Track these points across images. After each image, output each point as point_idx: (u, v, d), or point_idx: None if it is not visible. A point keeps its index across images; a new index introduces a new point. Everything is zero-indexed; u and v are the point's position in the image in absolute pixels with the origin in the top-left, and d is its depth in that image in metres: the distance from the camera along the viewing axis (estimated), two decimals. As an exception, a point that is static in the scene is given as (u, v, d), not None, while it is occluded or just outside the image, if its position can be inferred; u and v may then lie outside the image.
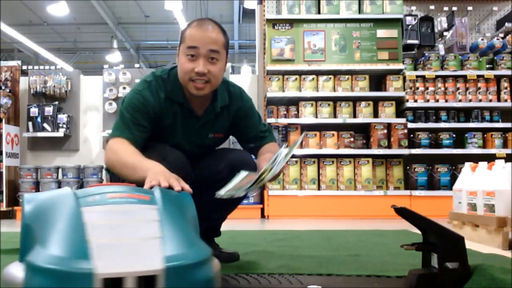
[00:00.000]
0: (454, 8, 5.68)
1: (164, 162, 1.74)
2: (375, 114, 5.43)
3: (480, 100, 5.39)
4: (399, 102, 5.51)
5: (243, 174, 1.81)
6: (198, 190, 1.94)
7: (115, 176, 1.96)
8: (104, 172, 5.65)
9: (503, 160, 2.75)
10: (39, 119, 5.85)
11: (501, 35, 5.67)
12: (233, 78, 5.90)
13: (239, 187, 1.71)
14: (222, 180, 1.93)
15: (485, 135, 5.36)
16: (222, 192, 1.69)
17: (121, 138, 1.80)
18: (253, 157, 2.09)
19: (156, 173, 1.50)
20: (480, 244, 2.68)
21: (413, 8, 5.87)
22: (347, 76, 5.42)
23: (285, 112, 5.41)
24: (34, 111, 5.85)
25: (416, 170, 5.28)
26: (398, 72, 5.47)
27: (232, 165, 1.97)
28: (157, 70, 2.00)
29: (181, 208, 1.27)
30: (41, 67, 6.22)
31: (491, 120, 5.40)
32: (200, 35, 1.82)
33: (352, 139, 5.34)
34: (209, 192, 1.96)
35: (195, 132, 1.99)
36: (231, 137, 2.18)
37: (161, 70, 1.99)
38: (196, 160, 1.99)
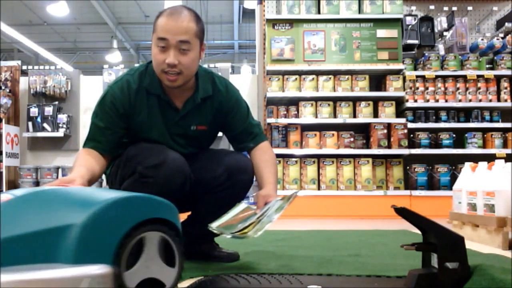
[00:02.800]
0: (454, 8, 5.68)
1: (163, 166, 1.76)
2: (375, 114, 5.43)
3: (480, 100, 5.39)
4: (399, 102, 5.51)
5: (240, 207, 1.82)
6: (196, 193, 1.95)
7: (111, 177, 1.95)
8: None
9: (503, 160, 2.75)
10: (39, 119, 5.85)
11: (501, 35, 5.67)
12: (233, 78, 5.90)
13: (231, 225, 1.73)
14: (220, 186, 1.95)
15: (485, 135, 5.36)
16: (214, 226, 1.73)
17: (86, 149, 1.85)
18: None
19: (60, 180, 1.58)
20: (480, 244, 2.68)
21: (413, 8, 5.87)
22: (347, 76, 5.42)
23: (285, 112, 5.41)
24: (34, 111, 5.85)
25: (416, 170, 5.28)
26: (398, 72, 5.47)
27: (230, 170, 1.94)
28: (138, 66, 1.97)
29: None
30: (41, 67, 6.22)
31: (491, 120, 5.40)
32: (170, 25, 1.78)
33: (352, 139, 5.34)
34: (206, 196, 1.98)
35: (176, 124, 1.95)
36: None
37: (141, 65, 1.97)
38: (192, 161, 1.95)
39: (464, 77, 5.44)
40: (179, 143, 1.98)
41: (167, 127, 1.94)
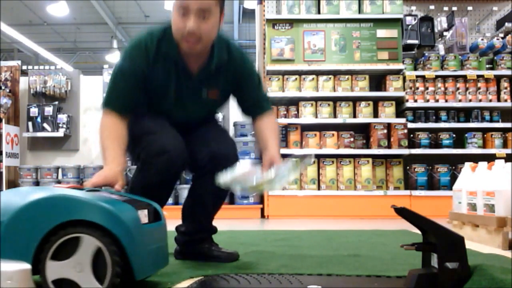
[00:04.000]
0: (454, 8, 5.67)
1: (165, 154, 1.83)
2: (375, 114, 5.43)
3: (480, 100, 5.39)
4: (399, 102, 5.51)
5: (245, 165, 1.83)
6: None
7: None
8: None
9: (503, 160, 2.74)
10: (39, 119, 5.86)
11: (501, 35, 5.67)
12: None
13: (238, 182, 1.75)
14: (201, 169, 2.00)
15: (485, 135, 5.36)
16: (221, 181, 1.75)
17: (110, 111, 1.86)
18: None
19: (98, 176, 1.65)
20: (480, 244, 2.68)
21: (413, 8, 5.87)
22: (347, 76, 5.42)
23: (285, 112, 5.41)
24: (34, 111, 5.86)
25: (416, 170, 5.28)
26: (398, 72, 5.47)
27: (213, 155, 1.96)
28: (154, 29, 1.97)
29: None
30: (41, 67, 6.23)
31: (491, 120, 5.40)
32: None
33: (352, 139, 5.34)
34: (192, 185, 2.08)
35: (189, 89, 1.97)
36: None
37: (158, 28, 1.97)
38: (187, 134, 1.99)
39: (464, 77, 5.44)
40: (189, 108, 2.01)
41: (181, 91, 1.97)
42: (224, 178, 1.77)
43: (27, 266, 1.26)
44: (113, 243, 1.31)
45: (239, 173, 1.78)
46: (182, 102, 1.99)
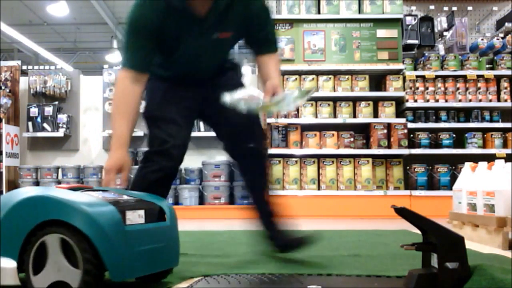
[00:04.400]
0: (454, 8, 5.68)
1: (165, 154, 1.95)
2: (375, 114, 5.43)
3: (480, 100, 5.39)
4: (399, 102, 5.51)
5: (251, 90, 1.93)
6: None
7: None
8: (104, 172, 5.65)
9: (503, 160, 2.74)
10: (39, 119, 5.86)
11: (501, 35, 5.67)
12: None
13: (244, 102, 1.84)
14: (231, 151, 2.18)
15: (485, 135, 5.36)
16: (228, 99, 1.82)
17: (126, 70, 1.90)
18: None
19: (104, 172, 1.84)
20: (480, 244, 2.68)
21: (413, 8, 5.87)
22: (347, 76, 5.42)
23: (285, 112, 5.41)
24: (34, 111, 5.85)
25: (416, 170, 5.28)
26: (398, 72, 5.47)
27: (233, 138, 2.13)
28: None
29: None
30: (41, 67, 6.23)
31: (491, 120, 5.40)
32: None
33: (352, 139, 5.34)
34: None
35: (201, 35, 1.94)
36: None
37: None
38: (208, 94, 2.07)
39: (464, 77, 5.44)
40: (203, 56, 2.02)
41: (194, 39, 1.95)
42: (231, 97, 1.83)
43: (13, 263, 1.36)
44: (84, 241, 1.32)
45: (245, 94, 1.85)
46: (196, 51, 1.98)
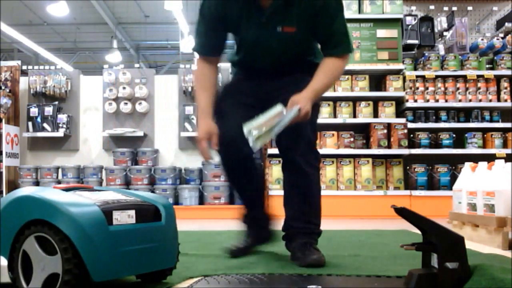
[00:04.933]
0: (454, 8, 5.67)
1: (226, 147, 2.01)
2: (375, 114, 5.43)
3: (480, 100, 5.39)
4: (399, 102, 5.51)
5: (276, 109, 1.82)
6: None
7: None
8: (104, 172, 5.66)
9: (503, 160, 2.74)
10: (39, 119, 5.86)
11: (501, 35, 5.67)
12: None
13: (260, 129, 1.78)
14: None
15: (485, 135, 5.36)
16: (247, 127, 1.79)
17: (200, 56, 2.09)
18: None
19: (198, 142, 1.97)
20: (480, 244, 2.68)
21: (413, 8, 5.87)
22: (347, 76, 5.42)
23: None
24: (34, 111, 5.85)
25: (416, 170, 5.28)
26: (398, 72, 5.47)
27: (286, 150, 2.10)
28: None
29: None
30: (41, 67, 6.23)
31: (491, 120, 5.40)
32: None
33: (352, 139, 5.34)
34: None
35: (263, 26, 1.93)
36: None
37: None
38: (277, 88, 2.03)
39: (464, 77, 5.44)
40: (266, 48, 2.00)
41: (256, 29, 1.96)
42: (251, 124, 1.80)
43: (4, 261, 1.42)
44: (66, 241, 1.34)
45: (267, 118, 1.79)
46: (257, 41, 1.99)
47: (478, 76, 5.42)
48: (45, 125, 5.85)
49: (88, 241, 1.34)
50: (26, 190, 1.48)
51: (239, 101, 2.08)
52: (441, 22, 5.69)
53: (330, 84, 1.98)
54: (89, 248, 1.34)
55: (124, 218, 1.45)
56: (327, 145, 5.30)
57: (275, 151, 5.25)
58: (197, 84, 2.14)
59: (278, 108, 1.82)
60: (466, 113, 5.45)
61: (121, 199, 1.54)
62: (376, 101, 5.44)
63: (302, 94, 1.84)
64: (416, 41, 5.56)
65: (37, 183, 5.62)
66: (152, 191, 5.32)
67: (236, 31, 2.03)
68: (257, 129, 1.76)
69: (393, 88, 5.42)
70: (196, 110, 5.79)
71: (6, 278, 1.42)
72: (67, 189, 1.54)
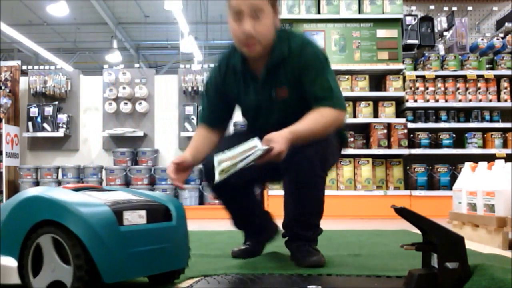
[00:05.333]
0: (454, 8, 5.67)
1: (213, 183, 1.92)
2: (375, 114, 5.43)
3: (480, 100, 5.39)
4: (399, 102, 5.51)
5: (251, 143, 1.66)
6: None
7: None
8: (104, 172, 5.66)
9: (503, 160, 2.74)
10: (39, 119, 5.85)
11: (501, 35, 5.67)
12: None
13: (227, 162, 1.65)
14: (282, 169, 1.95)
15: (485, 135, 5.36)
16: (216, 158, 1.70)
17: (200, 124, 2.13)
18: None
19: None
20: (480, 244, 2.68)
21: (413, 8, 5.87)
22: (347, 76, 5.42)
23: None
24: (34, 111, 5.85)
25: (416, 170, 5.28)
26: (398, 72, 5.47)
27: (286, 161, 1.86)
28: (228, 48, 2.09)
29: None
30: (41, 67, 6.22)
31: (491, 120, 5.40)
32: None
33: (352, 139, 5.34)
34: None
35: (259, 94, 1.98)
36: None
37: (229, 46, 2.07)
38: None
39: (464, 77, 5.44)
40: (266, 113, 2.01)
41: (254, 98, 2.00)
42: (221, 156, 1.69)
43: (14, 262, 1.40)
44: (77, 243, 1.32)
45: (239, 151, 1.66)
46: (258, 108, 2.03)
47: (478, 76, 5.42)
48: (45, 125, 5.85)
49: (98, 242, 1.32)
50: (35, 190, 1.46)
51: (235, 139, 1.97)
52: (441, 22, 5.69)
53: (318, 131, 1.82)
54: (100, 248, 1.32)
55: (135, 218, 1.43)
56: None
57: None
58: (190, 143, 2.08)
59: (253, 142, 1.67)
60: (466, 113, 5.45)
61: (131, 199, 1.52)
62: (376, 101, 5.44)
63: (279, 132, 1.71)
64: (416, 41, 5.56)
65: (37, 183, 5.62)
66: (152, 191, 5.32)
67: (238, 101, 2.10)
68: (226, 161, 1.65)
69: (393, 88, 5.42)
70: (196, 110, 5.80)
71: (16, 279, 1.40)
72: (76, 189, 1.52)
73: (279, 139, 1.67)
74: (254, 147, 1.65)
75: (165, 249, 1.49)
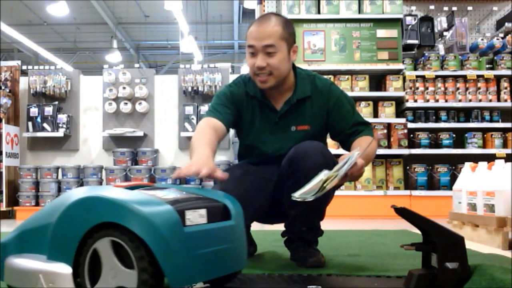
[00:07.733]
0: (454, 8, 5.67)
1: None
2: (375, 114, 5.43)
3: (480, 100, 5.39)
4: (399, 102, 5.51)
5: (321, 175, 1.64)
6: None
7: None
8: (104, 172, 5.66)
9: (503, 160, 2.75)
10: (39, 119, 5.85)
11: (501, 35, 5.66)
12: (233, 78, 5.90)
13: (313, 190, 1.60)
14: (283, 176, 1.96)
15: (485, 135, 5.36)
16: (297, 195, 1.62)
17: (207, 117, 2.02)
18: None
19: (188, 165, 1.60)
20: (480, 244, 2.68)
21: (413, 8, 5.87)
22: (347, 76, 5.42)
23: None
24: (34, 111, 5.85)
25: (416, 170, 5.28)
26: (398, 72, 5.47)
27: (290, 159, 1.92)
28: (245, 74, 2.15)
29: None
30: (41, 67, 6.22)
31: (491, 120, 5.40)
32: (255, 31, 1.95)
33: (352, 139, 5.33)
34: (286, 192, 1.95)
35: (275, 125, 2.06)
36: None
37: (246, 74, 2.14)
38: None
39: (464, 77, 5.44)
40: (279, 143, 2.05)
41: (268, 127, 2.07)
42: (300, 191, 1.62)
43: (68, 269, 1.27)
44: (141, 246, 1.22)
45: (315, 182, 1.61)
46: (271, 137, 2.06)
47: (478, 76, 5.42)
48: (45, 125, 5.85)
49: (164, 244, 1.20)
50: (85, 190, 1.35)
51: (249, 171, 2.07)
52: (441, 22, 5.69)
53: (372, 156, 1.99)
54: (166, 251, 1.20)
55: (196, 218, 1.32)
56: (327, 145, 5.29)
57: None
58: (196, 136, 1.89)
59: (325, 172, 1.65)
60: (466, 113, 5.45)
61: (190, 197, 1.41)
62: (376, 101, 5.44)
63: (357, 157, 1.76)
64: (416, 41, 5.56)
65: (37, 183, 5.62)
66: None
67: (248, 124, 2.09)
68: (308, 192, 1.60)
69: (393, 88, 5.42)
70: (196, 110, 5.80)
71: (69, 286, 1.28)
72: (131, 187, 1.40)
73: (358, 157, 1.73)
74: (348, 159, 1.66)
75: (226, 250, 1.38)
